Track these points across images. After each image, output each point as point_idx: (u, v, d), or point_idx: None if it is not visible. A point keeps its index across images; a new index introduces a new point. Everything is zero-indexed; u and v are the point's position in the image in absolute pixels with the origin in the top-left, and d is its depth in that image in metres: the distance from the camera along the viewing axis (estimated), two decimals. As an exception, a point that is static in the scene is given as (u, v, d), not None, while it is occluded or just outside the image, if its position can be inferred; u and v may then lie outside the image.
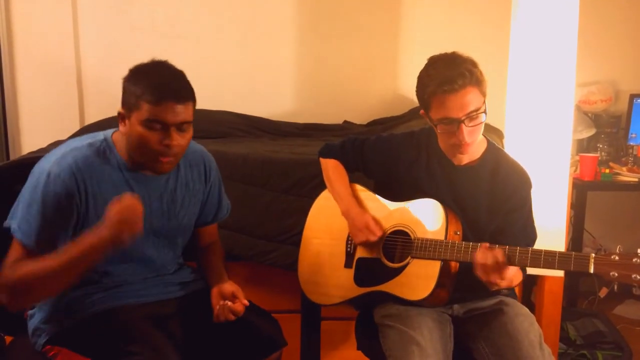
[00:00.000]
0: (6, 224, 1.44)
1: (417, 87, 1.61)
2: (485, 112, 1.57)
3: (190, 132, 1.47)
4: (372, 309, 1.71)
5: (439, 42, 3.14)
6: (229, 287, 1.59)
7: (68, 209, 1.42)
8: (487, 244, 1.51)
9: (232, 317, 1.55)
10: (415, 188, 1.69)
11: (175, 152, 1.44)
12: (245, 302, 1.56)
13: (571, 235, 2.86)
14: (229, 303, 1.55)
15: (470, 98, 1.53)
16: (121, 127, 1.46)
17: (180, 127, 1.43)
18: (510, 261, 1.48)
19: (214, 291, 1.59)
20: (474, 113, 1.55)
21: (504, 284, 1.52)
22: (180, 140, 1.43)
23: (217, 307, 1.55)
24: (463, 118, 1.54)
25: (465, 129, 1.55)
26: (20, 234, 1.40)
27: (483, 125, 1.60)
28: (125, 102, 1.44)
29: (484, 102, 1.57)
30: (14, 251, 1.41)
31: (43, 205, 1.40)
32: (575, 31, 2.18)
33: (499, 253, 1.47)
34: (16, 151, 3.18)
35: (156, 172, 1.49)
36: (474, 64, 1.56)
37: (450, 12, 3.22)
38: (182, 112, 1.41)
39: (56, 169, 1.41)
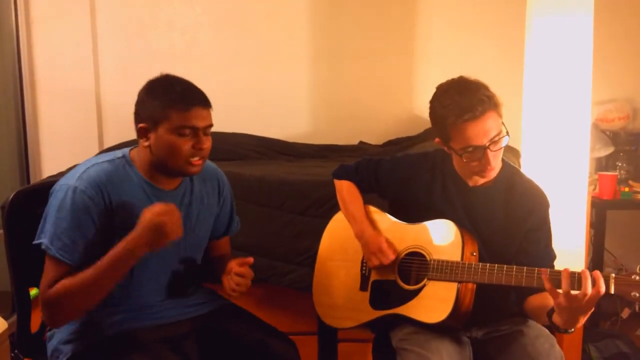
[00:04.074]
0: (36, 241, 1.46)
1: (433, 118, 1.61)
2: (507, 134, 1.56)
3: (210, 136, 1.55)
4: (389, 332, 1.70)
5: (454, 61, 3.18)
6: (232, 262, 1.58)
7: (98, 220, 1.45)
8: (547, 270, 1.41)
9: (242, 282, 1.53)
10: (430, 209, 1.68)
11: (204, 154, 1.53)
12: (249, 259, 1.56)
13: (592, 255, 2.82)
14: (233, 270, 1.54)
15: (491, 123, 1.52)
16: (143, 142, 1.51)
17: (206, 130, 1.51)
18: (528, 281, 1.46)
19: (223, 277, 1.59)
20: (497, 137, 1.54)
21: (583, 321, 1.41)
22: (208, 142, 1.52)
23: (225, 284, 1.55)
24: (487, 144, 1.53)
25: (490, 154, 1.54)
26: (55, 251, 1.42)
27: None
28: (147, 117, 1.49)
29: (502, 123, 1.57)
30: (50, 269, 1.43)
31: (73, 220, 1.43)
32: (590, 49, 2.18)
33: (598, 282, 1.33)
34: (37, 175, 3.24)
35: (187, 174, 1.55)
36: (487, 88, 1.56)
37: (465, 31, 3.24)
38: (207, 116, 1.51)
39: (81, 183, 1.45)
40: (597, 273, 1.35)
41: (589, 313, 1.38)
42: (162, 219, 1.40)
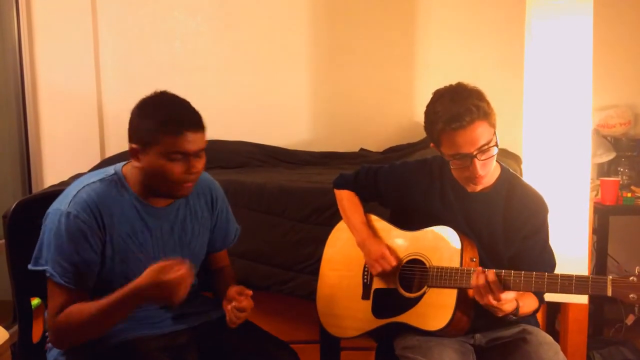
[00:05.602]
0: (31, 266, 1.46)
1: (426, 123, 1.62)
2: (496, 144, 1.56)
3: (204, 156, 1.51)
4: (392, 340, 1.69)
5: (454, 67, 3.19)
6: (232, 290, 1.57)
7: (94, 242, 1.45)
8: (481, 269, 1.50)
9: (242, 315, 1.53)
10: (429, 216, 1.68)
11: (195, 178, 1.50)
12: (249, 291, 1.55)
13: (595, 261, 2.81)
14: (234, 302, 1.53)
15: (480, 132, 1.53)
16: (135, 162, 1.48)
17: (198, 153, 1.48)
18: (526, 286, 1.46)
19: (224, 303, 1.58)
20: (485, 146, 1.54)
21: (506, 307, 1.49)
22: (199, 165, 1.49)
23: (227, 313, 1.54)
24: (475, 153, 1.54)
25: (478, 162, 1.55)
26: (58, 277, 1.42)
27: (495, 156, 1.59)
28: (138, 138, 1.45)
29: (494, 133, 1.57)
30: (56, 295, 1.43)
31: (71, 246, 1.43)
32: (590, 54, 2.18)
33: (490, 273, 1.47)
34: (38, 184, 3.24)
35: (177, 197, 1.53)
36: (480, 97, 1.56)
37: (465, 37, 3.24)
38: (199, 140, 1.46)
39: (74, 208, 1.44)
40: (479, 269, 1.50)
41: (493, 305, 1.48)
42: (168, 278, 1.34)
